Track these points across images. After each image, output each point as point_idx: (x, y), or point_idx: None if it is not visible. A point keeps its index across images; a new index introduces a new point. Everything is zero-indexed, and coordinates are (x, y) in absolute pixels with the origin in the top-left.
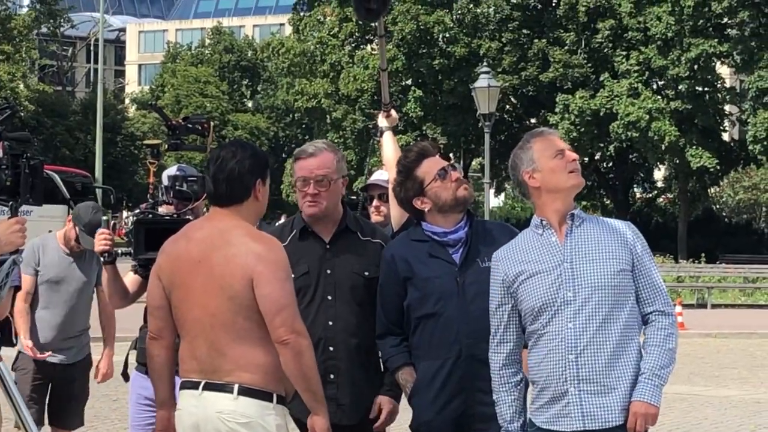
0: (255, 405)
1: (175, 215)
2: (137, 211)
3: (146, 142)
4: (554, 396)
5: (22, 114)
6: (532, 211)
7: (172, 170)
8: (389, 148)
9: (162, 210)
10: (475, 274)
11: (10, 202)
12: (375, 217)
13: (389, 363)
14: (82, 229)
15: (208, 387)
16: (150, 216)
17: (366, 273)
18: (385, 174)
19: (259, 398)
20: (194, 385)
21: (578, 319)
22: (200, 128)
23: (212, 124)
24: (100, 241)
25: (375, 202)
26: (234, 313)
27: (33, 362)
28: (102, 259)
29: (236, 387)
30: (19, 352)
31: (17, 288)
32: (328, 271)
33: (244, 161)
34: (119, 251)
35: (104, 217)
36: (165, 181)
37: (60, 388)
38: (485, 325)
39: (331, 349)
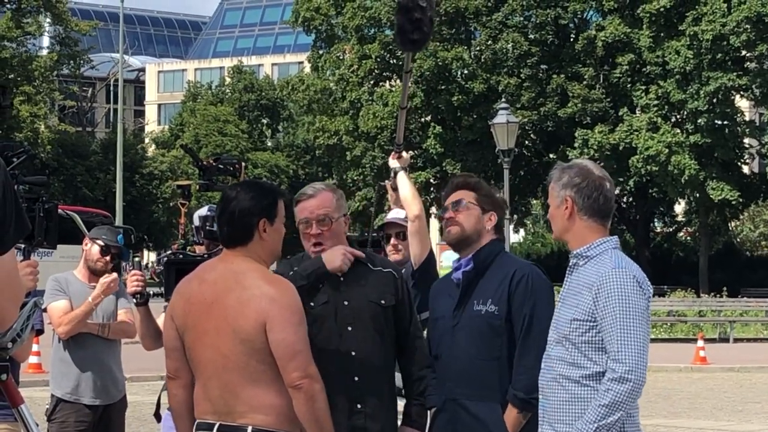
0: None
1: (206, 255)
2: (168, 251)
3: (177, 182)
4: None
5: (43, 155)
6: (552, 247)
7: (203, 211)
8: (405, 186)
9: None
10: (467, 318)
11: (24, 246)
12: (393, 256)
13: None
14: (104, 237)
15: (223, 429)
16: (181, 256)
17: (382, 301)
18: (401, 212)
19: None
20: (209, 427)
21: (546, 361)
22: (232, 169)
23: (243, 164)
24: (132, 282)
25: (392, 241)
26: (247, 356)
27: (73, 413)
28: (134, 300)
29: (250, 429)
30: (58, 400)
31: (39, 332)
32: (346, 303)
33: (244, 202)
34: (151, 292)
35: (136, 258)
36: (196, 222)
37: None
38: (468, 368)
39: (356, 379)
